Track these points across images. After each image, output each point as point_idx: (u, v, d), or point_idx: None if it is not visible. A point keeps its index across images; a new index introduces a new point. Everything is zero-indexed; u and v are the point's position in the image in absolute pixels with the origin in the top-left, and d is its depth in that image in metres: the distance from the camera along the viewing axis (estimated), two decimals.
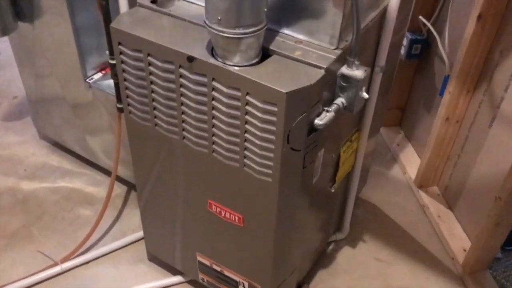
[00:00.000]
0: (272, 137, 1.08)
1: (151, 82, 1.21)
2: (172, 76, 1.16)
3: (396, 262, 1.81)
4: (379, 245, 1.85)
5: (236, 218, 1.31)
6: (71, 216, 1.92)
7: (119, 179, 1.99)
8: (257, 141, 1.11)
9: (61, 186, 2.03)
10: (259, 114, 1.06)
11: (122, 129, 1.59)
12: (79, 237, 1.77)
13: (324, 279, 1.74)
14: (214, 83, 1.10)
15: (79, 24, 1.67)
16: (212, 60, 1.08)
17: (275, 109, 1.04)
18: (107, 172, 2.05)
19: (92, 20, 1.67)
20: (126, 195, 2.01)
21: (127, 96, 1.30)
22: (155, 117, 1.28)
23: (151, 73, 1.20)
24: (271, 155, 1.11)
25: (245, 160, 1.17)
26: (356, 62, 1.13)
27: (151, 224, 1.63)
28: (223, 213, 1.33)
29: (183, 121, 1.22)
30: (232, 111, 1.11)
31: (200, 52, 1.10)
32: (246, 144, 1.14)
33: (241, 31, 1.00)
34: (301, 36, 1.15)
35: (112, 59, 1.36)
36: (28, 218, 1.89)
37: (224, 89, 1.09)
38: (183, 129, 1.24)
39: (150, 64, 1.18)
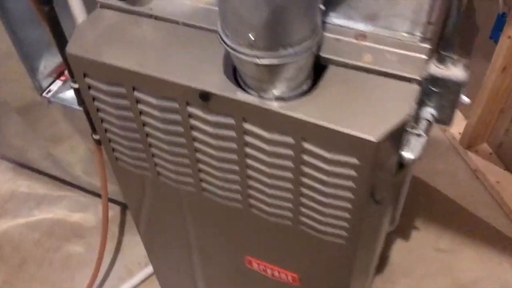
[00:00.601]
0: (349, 195, 0.72)
1: (144, 124, 0.81)
2: (176, 117, 0.77)
3: (460, 249, 1.52)
4: (436, 231, 1.56)
5: (290, 277, 0.97)
6: (60, 257, 1.56)
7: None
8: (322, 198, 0.75)
9: (39, 220, 1.65)
10: (326, 167, 0.69)
11: (105, 159, 1.19)
12: (77, 286, 1.43)
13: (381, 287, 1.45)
14: (247, 126, 0.71)
15: (13, 16, 1.21)
16: (240, 95, 0.68)
17: (355, 161, 0.66)
18: (90, 192, 1.67)
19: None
20: (121, 218, 1.65)
21: (110, 140, 0.90)
22: (156, 165, 0.89)
23: (142, 113, 0.80)
24: (345, 214, 0.76)
25: (302, 219, 0.81)
26: (454, 57, 0.74)
27: (163, 272, 1.29)
28: (269, 272, 0.99)
29: (199, 170, 0.84)
30: (278, 161, 0.73)
31: (216, 82, 0.70)
32: (303, 200, 0.77)
33: (289, 51, 0.61)
34: (361, 26, 0.75)
35: (75, 81, 0.94)
36: (7, 270, 1.52)
37: (265, 134, 0.71)
38: (201, 180, 0.86)
39: (139, 101, 0.78)
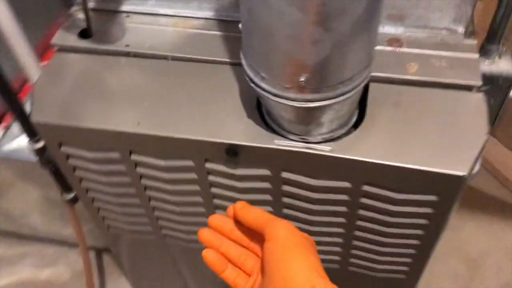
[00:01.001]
0: (418, 232, 0.60)
1: (146, 188, 0.66)
2: (190, 176, 0.61)
3: (463, 224, 1.47)
4: None
5: None
6: None
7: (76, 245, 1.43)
8: (381, 239, 0.63)
9: (2, 286, 1.43)
10: (392, 208, 0.57)
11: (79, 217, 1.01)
12: None
13: None
14: (286, 175, 0.58)
15: None
16: (280, 143, 0.54)
17: (434, 198, 0.55)
18: (56, 241, 1.47)
19: None
20: (99, 264, 1.46)
21: (99, 209, 0.73)
22: (162, 227, 0.73)
23: (142, 177, 0.64)
24: (410, 251, 0.65)
25: (353, 260, 0.69)
26: (502, 49, 0.64)
27: None
28: None
29: None
30: (327, 208, 0.61)
31: (243, 130, 0.56)
32: (357, 243, 0.65)
33: (348, 87, 0.47)
34: (390, 29, 0.62)
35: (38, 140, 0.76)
36: None
37: (311, 182, 0.57)
38: None
39: (138, 165, 0.62)
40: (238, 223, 0.47)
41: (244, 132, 0.55)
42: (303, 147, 0.54)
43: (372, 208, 0.58)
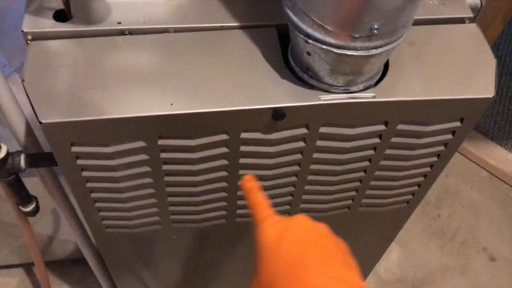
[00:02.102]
0: (433, 159, 0.66)
1: (167, 174, 0.61)
2: (220, 151, 0.59)
3: None
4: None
5: None
6: None
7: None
8: (398, 174, 0.68)
9: None
10: (417, 141, 0.62)
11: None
12: None
13: None
14: (326, 130, 0.58)
15: None
16: (325, 97, 0.54)
17: (457, 124, 0.60)
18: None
19: None
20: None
21: (99, 210, 0.66)
22: (172, 214, 0.69)
23: (167, 163, 0.59)
24: (419, 179, 0.70)
25: (365, 201, 0.73)
26: None
27: None
28: None
29: (239, 198, 0.68)
30: (355, 155, 0.63)
31: (283, 91, 0.54)
32: (374, 183, 0.69)
33: (404, 30, 0.49)
34: None
35: None
36: None
37: (347, 132, 0.59)
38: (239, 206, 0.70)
39: (164, 150, 0.57)
40: None
41: (286, 94, 0.54)
42: (348, 98, 0.54)
43: (399, 145, 0.62)
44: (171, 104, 0.52)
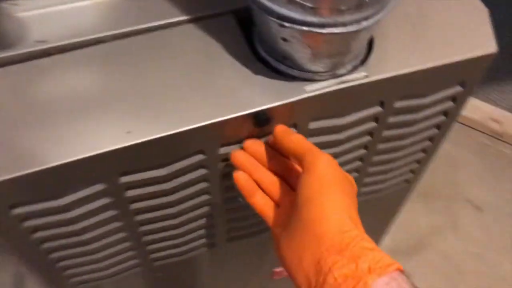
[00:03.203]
0: (433, 132, 0.59)
1: (138, 213, 0.50)
2: (198, 174, 0.49)
3: None
4: None
5: None
6: None
7: None
8: (397, 155, 0.60)
9: None
10: (416, 116, 0.54)
11: None
12: None
13: None
14: (315, 124, 0.49)
15: None
16: (311, 87, 0.45)
17: (457, 89, 0.53)
18: None
19: None
20: None
21: (65, 268, 0.55)
22: (151, 252, 0.59)
23: (136, 201, 0.48)
24: (419, 155, 0.63)
25: (363, 189, 0.65)
26: None
27: None
28: None
29: (233, 219, 0.58)
30: (351, 144, 0.54)
31: (260, 91, 0.45)
32: (372, 169, 0.61)
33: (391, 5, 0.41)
34: None
35: None
36: None
37: (340, 122, 0.50)
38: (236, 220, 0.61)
39: (129, 187, 0.46)
40: (274, 152, 0.45)
41: (265, 92, 0.44)
42: (337, 83, 0.46)
43: (397, 124, 0.54)
44: (128, 132, 0.41)
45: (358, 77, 0.46)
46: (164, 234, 0.55)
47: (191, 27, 0.48)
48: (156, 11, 0.48)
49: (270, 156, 0.45)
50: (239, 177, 0.44)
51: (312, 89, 0.45)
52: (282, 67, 0.45)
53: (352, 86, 0.46)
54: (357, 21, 0.38)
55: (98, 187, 0.44)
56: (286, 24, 0.38)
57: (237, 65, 0.46)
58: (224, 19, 0.49)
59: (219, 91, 0.44)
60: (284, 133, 0.44)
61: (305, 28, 0.38)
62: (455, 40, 0.49)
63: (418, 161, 0.64)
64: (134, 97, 0.43)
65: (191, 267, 0.66)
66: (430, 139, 0.60)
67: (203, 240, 0.60)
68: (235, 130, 0.45)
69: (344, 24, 0.38)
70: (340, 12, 0.37)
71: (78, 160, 0.40)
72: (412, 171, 0.66)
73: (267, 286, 0.84)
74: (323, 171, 0.39)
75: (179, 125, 0.42)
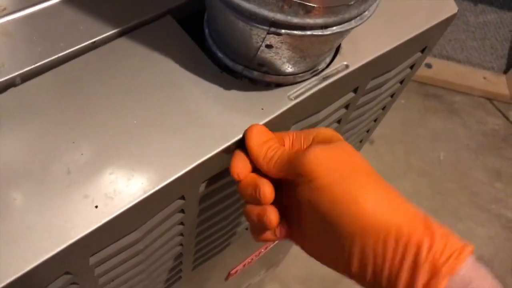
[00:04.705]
0: (388, 99, 0.56)
1: (104, 284, 0.40)
2: (173, 221, 0.40)
3: None
4: None
5: None
6: None
7: None
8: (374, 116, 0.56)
9: None
10: (387, 85, 0.50)
11: None
12: None
13: None
14: (296, 127, 0.43)
15: None
16: (294, 93, 0.38)
17: (418, 55, 0.50)
18: None
19: None
20: None
21: None
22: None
23: (101, 275, 0.38)
24: (372, 124, 0.60)
25: None
26: None
27: None
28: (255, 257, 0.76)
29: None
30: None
31: (238, 107, 0.37)
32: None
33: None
34: None
35: None
36: None
37: (319, 117, 0.44)
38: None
39: (97, 264, 0.36)
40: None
41: (250, 110, 0.36)
42: (319, 81, 0.39)
43: (361, 104, 0.49)
44: (96, 206, 0.31)
45: (340, 69, 0.40)
46: (130, 284, 0.46)
47: (124, 41, 0.37)
48: (71, 31, 0.36)
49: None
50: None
51: (297, 95, 0.38)
52: (255, 74, 0.37)
53: (335, 80, 0.40)
54: (362, 12, 0.32)
55: (65, 278, 0.33)
56: (282, 30, 0.30)
57: (201, 81, 0.37)
58: (164, 22, 0.39)
59: (192, 121, 0.35)
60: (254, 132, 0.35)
61: (306, 32, 0.30)
62: (419, 9, 0.45)
63: (367, 130, 0.61)
64: (85, 152, 0.32)
65: None
66: (383, 107, 0.57)
67: (170, 279, 0.51)
68: (219, 161, 0.36)
69: (350, 19, 0.31)
70: (348, 7, 0.30)
71: (42, 262, 0.29)
72: (361, 140, 0.63)
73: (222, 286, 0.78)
74: (328, 171, 0.31)
75: (157, 178, 0.32)
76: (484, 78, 1.73)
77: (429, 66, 1.72)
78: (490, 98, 1.74)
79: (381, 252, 0.29)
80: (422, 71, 1.70)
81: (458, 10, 0.46)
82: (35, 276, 0.29)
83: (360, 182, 0.31)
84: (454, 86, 1.72)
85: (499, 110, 1.72)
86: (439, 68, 1.73)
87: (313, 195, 0.31)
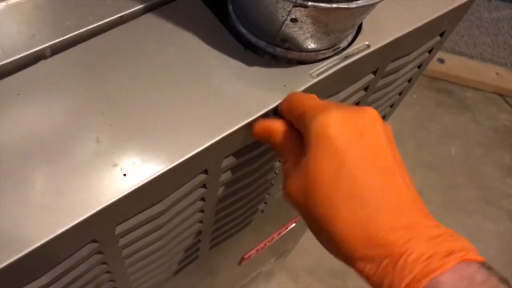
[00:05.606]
0: (405, 84, 0.56)
1: (128, 256, 0.41)
2: (195, 196, 0.40)
3: None
4: None
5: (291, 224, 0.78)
6: None
7: None
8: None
9: None
10: (405, 69, 0.50)
11: None
12: None
13: None
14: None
15: None
16: (317, 70, 0.39)
17: (437, 39, 0.50)
18: None
19: None
20: None
21: None
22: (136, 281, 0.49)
23: (127, 245, 0.39)
24: (388, 109, 0.60)
25: None
26: None
27: None
28: (266, 245, 0.77)
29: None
30: None
31: (262, 84, 0.37)
32: None
33: None
34: None
35: None
36: None
37: (344, 95, 0.45)
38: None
39: (122, 235, 0.37)
40: None
41: (272, 87, 0.37)
42: (341, 60, 0.39)
43: (379, 88, 0.50)
44: (124, 175, 0.31)
45: (361, 49, 0.40)
46: (153, 266, 0.46)
47: (150, 17, 0.38)
48: (99, 6, 0.37)
49: None
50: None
51: (318, 72, 0.38)
52: (278, 51, 0.38)
53: (356, 59, 0.40)
54: None
55: (91, 246, 0.34)
56: (309, 3, 0.31)
57: (224, 58, 0.37)
58: (190, 1, 0.39)
59: (216, 96, 0.36)
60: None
61: (334, 5, 0.31)
62: None
63: (383, 116, 0.62)
64: (114, 123, 0.33)
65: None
66: (400, 93, 0.57)
67: (188, 257, 0.52)
68: (243, 137, 0.37)
69: None
70: None
71: (72, 227, 0.30)
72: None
73: (235, 271, 0.79)
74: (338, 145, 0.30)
75: (183, 151, 0.33)
76: (497, 73, 1.72)
77: (441, 61, 1.71)
78: (502, 94, 1.73)
79: None
80: (434, 66, 1.70)
81: None
82: (65, 240, 0.30)
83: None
84: (466, 81, 1.72)
85: (511, 106, 1.71)
86: (452, 64, 1.72)
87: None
